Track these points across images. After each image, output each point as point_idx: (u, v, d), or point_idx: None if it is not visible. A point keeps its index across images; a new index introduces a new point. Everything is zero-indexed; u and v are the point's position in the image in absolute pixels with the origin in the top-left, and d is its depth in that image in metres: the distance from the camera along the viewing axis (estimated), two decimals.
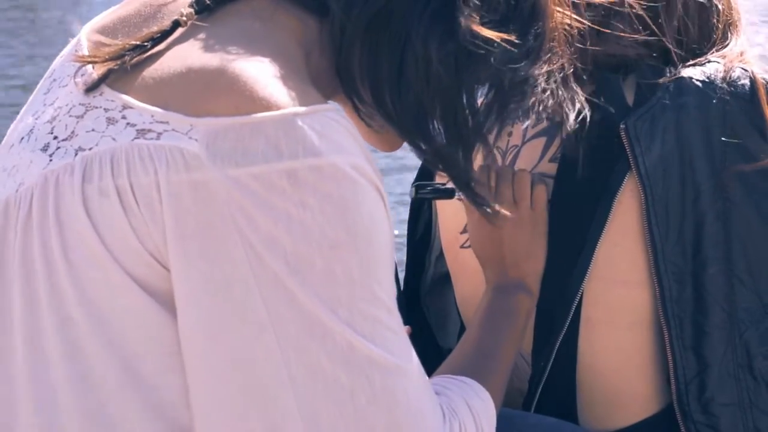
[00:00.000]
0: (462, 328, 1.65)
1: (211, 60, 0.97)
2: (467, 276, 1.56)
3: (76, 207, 0.96)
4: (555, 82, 1.11)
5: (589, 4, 1.27)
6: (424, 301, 1.69)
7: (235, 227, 0.92)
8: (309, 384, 0.94)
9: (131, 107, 0.98)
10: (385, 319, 0.98)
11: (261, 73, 0.96)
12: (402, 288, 1.70)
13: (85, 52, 1.07)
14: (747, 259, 1.39)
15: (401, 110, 1.05)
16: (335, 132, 0.95)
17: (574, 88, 1.15)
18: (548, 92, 1.10)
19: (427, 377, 1.04)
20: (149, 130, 0.95)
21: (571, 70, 1.14)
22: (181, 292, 0.94)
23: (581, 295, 1.41)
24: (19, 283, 0.99)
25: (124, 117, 0.97)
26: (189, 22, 1.02)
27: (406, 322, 1.69)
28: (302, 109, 0.94)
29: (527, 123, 1.49)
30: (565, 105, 1.14)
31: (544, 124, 1.47)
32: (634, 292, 1.41)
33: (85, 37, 1.10)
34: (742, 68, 1.43)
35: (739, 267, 1.39)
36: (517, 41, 1.05)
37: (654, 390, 1.46)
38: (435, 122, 1.08)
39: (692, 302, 1.38)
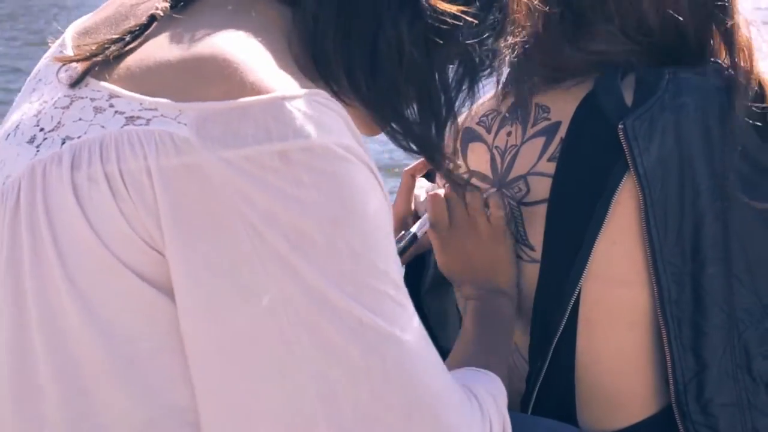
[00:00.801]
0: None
1: (199, 47, 0.98)
2: None
3: (65, 195, 0.96)
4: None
5: None
6: (425, 301, 1.68)
7: (234, 208, 0.92)
8: (323, 362, 0.93)
9: (118, 96, 0.98)
10: (392, 293, 0.97)
11: (249, 59, 0.97)
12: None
13: (69, 52, 1.07)
14: (746, 260, 1.39)
15: (376, 94, 1.06)
16: (323, 114, 0.96)
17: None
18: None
19: (439, 356, 1.03)
20: (138, 117, 0.95)
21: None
22: (180, 276, 0.94)
23: (580, 295, 1.41)
24: (4, 275, 0.99)
25: (111, 105, 0.98)
26: (164, 16, 1.03)
27: None
28: (290, 92, 0.95)
29: (527, 123, 1.48)
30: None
31: (545, 123, 1.47)
32: (633, 293, 1.41)
33: (68, 38, 1.11)
34: (745, 70, 1.43)
35: (739, 267, 1.39)
36: (481, 15, 1.07)
37: (653, 390, 1.46)
38: (408, 103, 1.10)
39: (691, 303, 1.38)
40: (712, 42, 1.46)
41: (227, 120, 0.93)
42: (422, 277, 1.69)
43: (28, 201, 0.98)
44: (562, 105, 1.45)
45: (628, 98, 1.41)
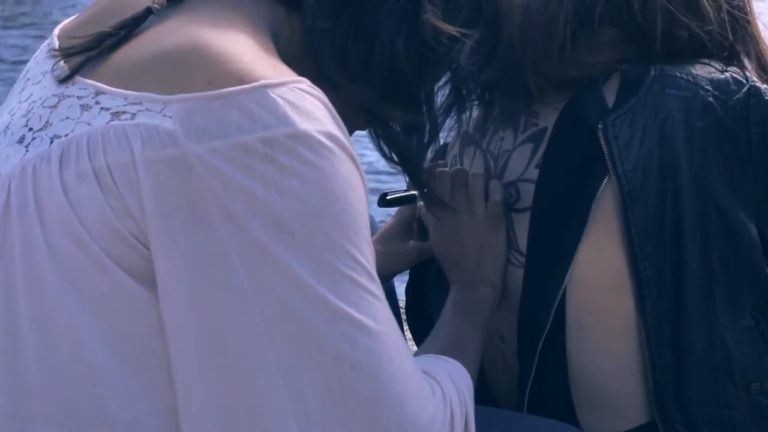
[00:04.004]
0: None
1: (183, 41, 1.00)
2: None
3: (55, 193, 0.98)
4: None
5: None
6: (429, 297, 1.70)
7: (214, 200, 0.93)
8: (293, 353, 0.95)
9: (104, 93, 1.00)
10: (366, 284, 0.98)
11: (232, 49, 0.99)
12: (407, 284, 1.72)
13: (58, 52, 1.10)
14: (727, 261, 1.39)
15: (365, 98, 1.09)
16: (307, 102, 0.97)
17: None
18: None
19: (407, 345, 1.05)
20: (123, 112, 0.97)
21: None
22: (162, 269, 0.95)
23: (566, 299, 1.42)
24: None
25: (97, 102, 0.99)
26: (160, 9, 1.05)
27: (409, 319, 1.73)
28: (274, 80, 0.96)
29: (518, 129, 1.50)
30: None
31: (533, 129, 1.48)
32: (623, 298, 1.40)
33: (56, 37, 1.13)
34: (735, 71, 1.42)
35: (720, 269, 1.39)
36: (479, 42, 1.10)
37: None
38: (394, 115, 1.12)
39: (671, 304, 1.38)
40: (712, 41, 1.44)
41: (211, 110, 0.94)
42: (427, 273, 1.71)
43: (19, 200, 1.00)
44: (549, 111, 1.46)
45: (611, 98, 1.41)
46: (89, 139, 0.97)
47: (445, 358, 1.21)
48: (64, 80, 1.04)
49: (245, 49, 1.00)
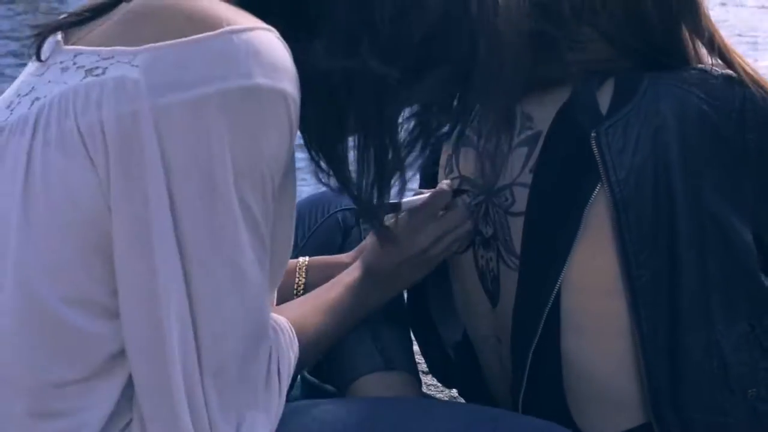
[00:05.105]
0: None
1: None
2: (462, 276, 1.59)
3: (19, 161, 1.01)
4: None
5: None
6: (428, 292, 1.70)
7: (159, 149, 0.96)
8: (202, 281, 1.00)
9: (81, 53, 1.04)
10: (255, 243, 1.02)
11: (202, 2, 1.01)
12: None
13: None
14: (722, 269, 1.39)
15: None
16: (269, 51, 0.99)
17: None
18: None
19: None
20: (96, 68, 1.00)
21: None
22: (117, 228, 0.99)
23: (560, 304, 1.42)
24: None
25: (74, 63, 1.03)
26: None
27: (410, 315, 1.73)
28: (239, 26, 0.98)
29: (514, 131, 1.49)
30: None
31: (528, 132, 1.47)
32: (618, 302, 1.40)
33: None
34: (729, 76, 1.41)
35: (715, 276, 1.38)
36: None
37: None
38: (344, 141, 1.13)
39: (667, 310, 1.38)
40: (691, 45, 1.44)
41: (176, 59, 0.97)
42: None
43: None
44: (543, 114, 1.45)
45: (604, 105, 1.40)
46: (60, 99, 1.01)
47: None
48: (38, 51, 1.08)
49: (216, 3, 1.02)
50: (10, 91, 1.12)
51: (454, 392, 2.04)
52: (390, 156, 1.11)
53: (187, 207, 0.98)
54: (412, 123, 1.13)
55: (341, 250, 1.77)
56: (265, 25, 1.00)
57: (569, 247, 1.39)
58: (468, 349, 1.65)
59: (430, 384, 2.19)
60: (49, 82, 1.04)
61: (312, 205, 1.90)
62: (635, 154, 1.36)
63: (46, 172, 1.00)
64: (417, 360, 1.71)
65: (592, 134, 1.37)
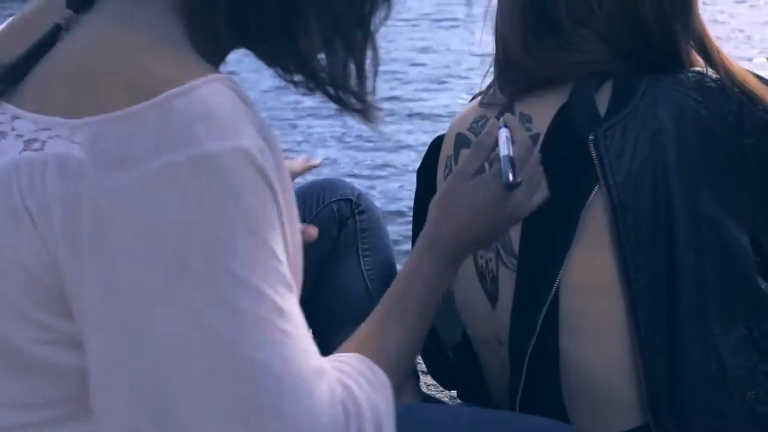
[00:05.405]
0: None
1: (85, 53, 0.96)
2: (462, 277, 1.58)
3: None
4: None
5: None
6: None
7: (120, 233, 0.89)
8: (189, 366, 0.90)
9: (18, 117, 0.96)
10: (274, 320, 0.92)
11: (141, 58, 0.93)
12: None
13: None
14: (720, 272, 1.39)
15: (265, 37, 1.01)
16: (217, 109, 0.90)
17: None
18: None
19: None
20: (35, 140, 0.93)
21: None
22: (77, 299, 0.92)
23: (559, 305, 1.42)
24: None
25: (13, 129, 0.96)
26: (69, 22, 1.00)
27: None
28: (178, 88, 0.90)
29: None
30: None
31: (527, 134, 1.46)
32: (617, 304, 1.40)
33: None
34: (727, 80, 1.40)
35: (713, 280, 1.38)
36: None
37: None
38: (311, 41, 1.02)
39: (665, 313, 1.38)
40: (685, 49, 1.44)
41: (117, 135, 0.89)
42: None
43: None
44: (542, 116, 1.45)
45: (603, 107, 1.40)
46: (2, 174, 0.94)
47: (367, 364, 1.10)
48: None
49: (149, 52, 0.94)
50: None
51: (454, 392, 2.04)
52: (352, 19, 1.02)
53: (140, 288, 0.89)
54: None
55: (337, 241, 1.76)
56: (210, 77, 0.92)
57: (567, 247, 1.40)
58: (467, 350, 1.66)
59: (430, 384, 2.20)
60: None
61: (306, 194, 1.87)
62: (633, 158, 1.36)
63: None
64: (417, 360, 1.71)
65: (591, 137, 1.37)
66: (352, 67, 1.03)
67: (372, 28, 1.04)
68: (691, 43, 1.44)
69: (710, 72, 1.42)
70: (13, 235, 0.93)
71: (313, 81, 1.03)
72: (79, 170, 0.90)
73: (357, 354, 1.12)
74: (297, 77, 1.04)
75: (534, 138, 1.45)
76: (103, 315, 0.91)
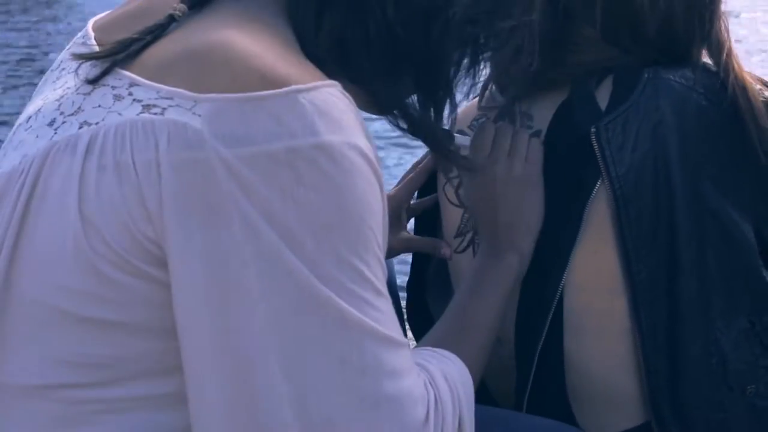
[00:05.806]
0: None
1: (207, 40, 1.01)
2: (462, 275, 1.58)
3: (71, 180, 0.99)
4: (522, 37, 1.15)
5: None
6: (429, 294, 1.71)
7: (234, 204, 0.94)
8: (298, 357, 0.96)
9: (138, 84, 1.01)
10: (371, 299, 0.99)
11: (262, 51, 0.99)
12: (408, 280, 1.72)
13: (93, 44, 1.12)
14: (722, 265, 1.38)
15: (372, 76, 1.09)
16: (335, 109, 0.97)
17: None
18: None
19: (410, 355, 1.05)
20: (154, 105, 0.98)
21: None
22: (177, 268, 0.96)
23: (563, 302, 1.41)
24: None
25: (130, 94, 1.01)
26: (182, 16, 1.06)
27: (409, 315, 1.73)
28: (303, 85, 0.97)
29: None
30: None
31: (528, 132, 1.46)
32: (619, 301, 1.40)
33: (90, 31, 1.15)
34: (728, 74, 1.41)
35: (715, 273, 1.38)
36: None
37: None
38: (407, 87, 1.12)
39: (666, 307, 1.38)
40: (687, 43, 1.44)
41: (241, 114, 0.95)
42: (427, 271, 1.71)
43: (33, 182, 1.02)
44: (543, 113, 1.45)
45: (603, 102, 1.40)
46: (116, 131, 0.98)
47: (447, 354, 1.19)
48: (92, 81, 1.05)
49: (275, 50, 1.00)
50: (47, 104, 1.09)
51: None
52: (440, 79, 1.12)
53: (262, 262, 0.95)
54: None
55: None
56: (328, 81, 0.99)
57: (572, 245, 1.39)
58: None
59: None
60: (99, 106, 1.02)
61: None
62: (635, 150, 1.37)
63: (100, 196, 0.98)
64: None
65: (592, 130, 1.38)
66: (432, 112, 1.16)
67: (454, 89, 1.16)
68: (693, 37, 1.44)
69: (711, 65, 1.42)
70: (117, 189, 0.97)
71: (404, 118, 1.15)
72: (197, 139, 0.95)
73: (446, 351, 1.20)
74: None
75: (535, 135, 1.46)
76: (201, 284, 0.95)
